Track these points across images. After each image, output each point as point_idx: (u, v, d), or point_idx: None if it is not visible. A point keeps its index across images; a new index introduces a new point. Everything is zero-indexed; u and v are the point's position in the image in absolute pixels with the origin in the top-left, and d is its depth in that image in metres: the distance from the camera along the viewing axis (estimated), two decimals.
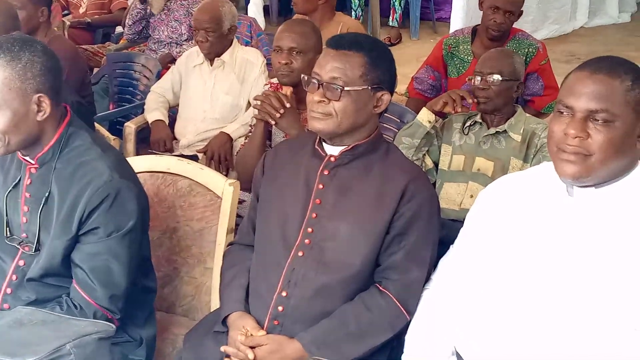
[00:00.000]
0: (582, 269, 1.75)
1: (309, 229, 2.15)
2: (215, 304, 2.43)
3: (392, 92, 2.21)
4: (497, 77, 2.99)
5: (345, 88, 2.10)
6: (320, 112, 2.12)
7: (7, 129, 2.02)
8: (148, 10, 5.04)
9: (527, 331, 1.78)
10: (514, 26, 3.91)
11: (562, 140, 1.75)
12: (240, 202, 2.91)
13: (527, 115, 3.12)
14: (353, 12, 7.55)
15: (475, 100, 3.01)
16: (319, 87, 2.12)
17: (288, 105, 2.82)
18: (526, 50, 3.77)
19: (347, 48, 2.13)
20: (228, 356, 2.09)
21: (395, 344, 2.12)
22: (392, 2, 7.60)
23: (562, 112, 1.78)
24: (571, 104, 1.75)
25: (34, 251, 2.13)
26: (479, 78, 3.03)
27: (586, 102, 1.73)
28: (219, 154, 3.74)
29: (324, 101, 2.11)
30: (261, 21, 7.09)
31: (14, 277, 2.17)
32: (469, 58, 3.85)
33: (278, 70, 2.99)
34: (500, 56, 3.11)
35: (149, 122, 4.06)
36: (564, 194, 1.84)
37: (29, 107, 2.02)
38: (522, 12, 3.88)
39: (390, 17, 7.68)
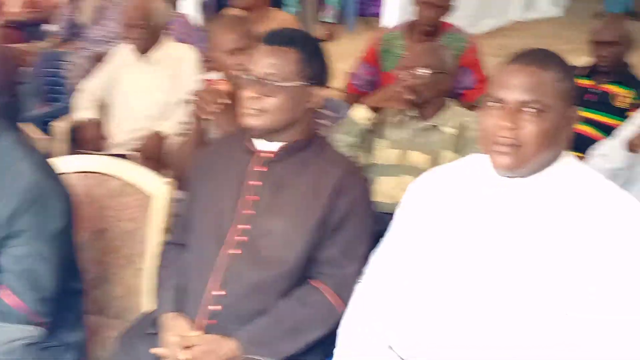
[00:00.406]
0: (512, 258, 1.78)
1: (245, 226, 2.15)
2: (147, 305, 2.40)
3: (326, 87, 2.22)
4: (425, 70, 3.02)
5: (280, 84, 2.10)
6: (255, 108, 2.12)
7: None
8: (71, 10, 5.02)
9: (459, 320, 1.80)
10: (447, 21, 3.96)
11: (495, 133, 1.78)
12: (176, 201, 2.87)
13: (459, 108, 3.17)
14: (287, 8, 7.55)
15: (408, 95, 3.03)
16: (252, 83, 2.12)
17: (226, 101, 2.79)
18: (458, 44, 3.83)
19: (281, 44, 2.14)
20: (162, 358, 2.06)
21: (332, 339, 2.11)
22: None
23: (493, 105, 1.80)
24: (502, 96, 1.78)
25: None
26: (407, 73, 3.05)
27: (518, 94, 1.76)
28: (153, 153, 3.70)
29: (258, 97, 2.11)
30: (198, 18, 7.06)
31: None
32: (403, 53, 3.88)
33: (229, 69, 2.95)
34: (428, 50, 3.16)
35: (80, 120, 4.01)
36: (492, 185, 1.86)
37: None
38: (451, 6, 3.93)
39: (326, 13, 7.72)
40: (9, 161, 2.07)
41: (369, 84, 3.99)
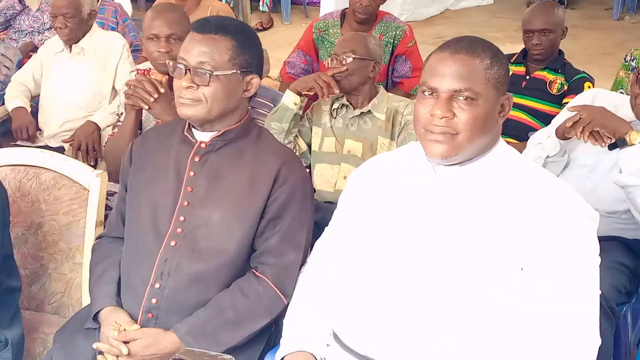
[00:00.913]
0: (448, 243, 1.80)
1: (181, 218, 2.13)
2: (86, 300, 2.37)
3: (260, 75, 2.20)
4: (349, 55, 3.04)
5: (214, 73, 2.07)
6: (189, 98, 2.09)
7: None
8: (19, 7, 4.88)
9: (398, 306, 1.82)
10: (381, 9, 3.98)
11: (429, 122, 1.79)
12: (112, 194, 2.84)
13: (390, 94, 3.19)
14: None
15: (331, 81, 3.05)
16: (186, 73, 2.08)
17: (162, 90, 2.76)
18: (393, 33, 3.86)
19: (213, 32, 2.10)
20: (101, 353, 2.04)
21: (274, 328, 2.14)
22: None
23: (427, 94, 1.81)
24: (435, 85, 1.79)
25: None
26: (334, 59, 3.07)
27: (449, 83, 1.77)
28: (86, 144, 3.64)
29: (192, 87, 2.08)
30: (128, 7, 6.95)
31: None
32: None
33: (158, 59, 2.92)
34: (353, 37, 3.18)
35: (9, 110, 3.92)
36: (429, 173, 1.88)
37: None
38: None
39: (261, 2, 7.69)
40: None
41: (304, 72, 3.98)
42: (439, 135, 1.78)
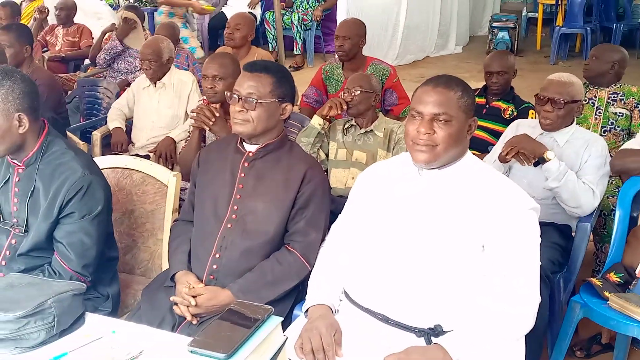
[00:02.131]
0: (430, 226, 1.80)
1: (235, 207, 2.13)
2: (165, 265, 2.38)
3: (293, 103, 2.20)
4: (358, 89, 3.03)
5: (259, 101, 2.08)
6: (240, 119, 2.10)
7: None
8: (120, 47, 4.92)
9: (392, 272, 1.81)
10: (370, 56, 3.94)
11: (416, 137, 1.79)
12: (184, 189, 2.85)
13: (387, 118, 3.18)
14: (270, 45, 7.49)
15: (346, 107, 3.06)
16: (239, 100, 2.10)
17: (217, 114, 2.78)
18: (381, 72, 3.80)
19: (259, 71, 2.12)
20: (176, 304, 2.05)
21: (301, 288, 2.13)
22: (294, 37, 7.60)
23: (414, 116, 1.81)
24: (420, 109, 1.79)
25: (24, 232, 2.05)
26: (346, 92, 3.07)
27: (431, 108, 1.77)
28: (165, 153, 3.64)
29: (243, 111, 2.09)
30: (200, 52, 6.99)
31: (7, 252, 2.08)
32: (340, 79, 3.87)
33: (206, 93, 2.96)
34: (360, 77, 3.17)
35: (110, 129, 3.93)
36: (416, 175, 1.88)
37: (11, 123, 1.95)
38: (360, 39, 3.83)
39: (294, 47, 7.67)
40: (62, 161, 2.05)
41: (316, 102, 3.97)
42: (423, 146, 1.78)
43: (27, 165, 2.05)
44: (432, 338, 1.73)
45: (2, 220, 2.10)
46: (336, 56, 3.92)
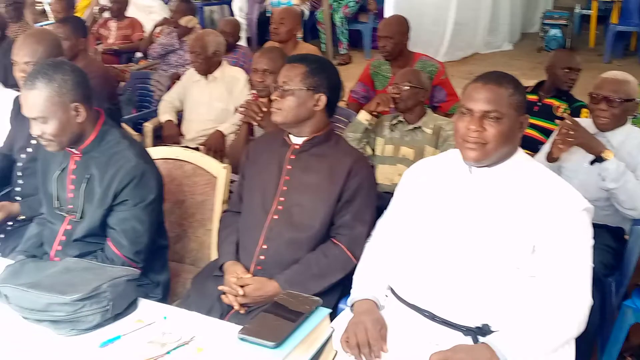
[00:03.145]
0: (480, 225, 1.77)
1: (281, 199, 2.15)
2: (214, 255, 2.41)
3: (331, 96, 2.17)
4: (407, 84, 3.02)
5: (288, 88, 2.11)
6: (274, 107, 2.14)
7: (57, 132, 2.01)
8: (177, 45, 5.02)
9: (439, 269, 1.79)
10: (418, 52, 3.91)
11: (466, 134, 1.77)
12: (232, 181, 2.89)
13: (435, 115, 3.15)
14: (322, 45, 7.51)
15: (394, 103, 3.04)
16: (275, 90, 2.15)
17: (265, 109, 2.81)
18: (430, 69, 3.76)
19: (294, 61, 2.16)
20: (224, 293, 2.08)
21: (346, 282, 2.12)
22: (337, 37, 7.61)
23: (464, 113, 1.79)
24: (471, 107, 1.77)
25: (79, 218, 2.11)
26: (395, 87, 3.06)
27: (482, 105, 1.75)
28: (215, 146, 3.70)
29: (277, 99, 2.13)
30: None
31: (63, 237, 2.15)
32: (388, 75, 3.85)
33: (255, 86, 2.99)
34: (409, 72, 3.16)
35: (162, 122, 4.00)
36: (466, 172, 1.85)
37: (69, 114, 2.00)
38: (403, 36, 3.80)
39: (339, 47, 7.68)
40: (117, 150, 2.10)
41: (363, 98, 3.96)
42: (473, 144, 1.76)
43: (83, 153, 2.11)
44: (479, 337, 1.71)
45: (58, 206, 2.16)
46: None
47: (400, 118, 3.10)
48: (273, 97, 2.14)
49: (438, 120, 3.06)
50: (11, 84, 2.95)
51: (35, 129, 2.01)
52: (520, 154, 1.84)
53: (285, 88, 2.12)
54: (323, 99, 2.15)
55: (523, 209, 1.73)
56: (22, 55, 2.58)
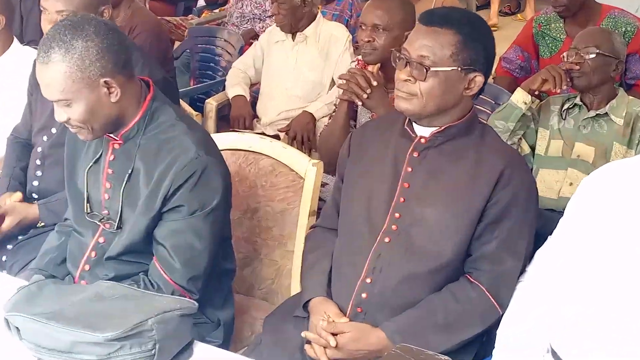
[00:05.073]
0: None
1: (396, 214, 2.14)
2: (295, 288, 2.45)
3: (487, 73, 2.16)
4: (593, 50, 2.94)
5: (432, 68, 2.06)
6: (405, 91, 2.10)
7: (86, 118, 2.07)
8: None
9: (631, 332, 1.73)
10: (609, 4, 3.80)
11: None
12: (322, 185, 2.92)
13: (631, 97, 3.06)
14: None
15: (569, 79, 2.97)
16: (406, 65, 2.09)
17: (375, 83, 2.80)
18: (624, 29, 3.65)
19: (438, 24, 2.09)
20: (309, 342, 2.10)
21: (485, 339, 2.11)
22: None
23: None
24: None
25: (116, 229, 2.18)
26: (573, 53, 2.98)
27: None
28: (301, 134, 3.77)
29: (409, 80, 2.09)
30: None
31: (93, 254, 2.23)
32: (561, 37, 3.78)
33: (361, 48, 2.99)
34: (597, 31, 3.11)
35: (230, 97, 4.10)
36: None
37: (99, 92, 2.06)
38: None
39: None
40: (171, 136, 2.15)
41: (521, 69, 3.90)
42: None
43: (125, 139, 2.18)
44: None
45: (89, 211, 2.24)
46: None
47: (577, 101, 3.03)
48: (403, 75, 2.09)
49: (635, 106, 2.99)
50: (30, 39, 3.09)
51: (59, 114, 2.10)
52: None
53: (425, 64, 2.07)
54: (479, 80, 2.12)
55: None
56: (55, 1, 2.68)
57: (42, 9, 2.73)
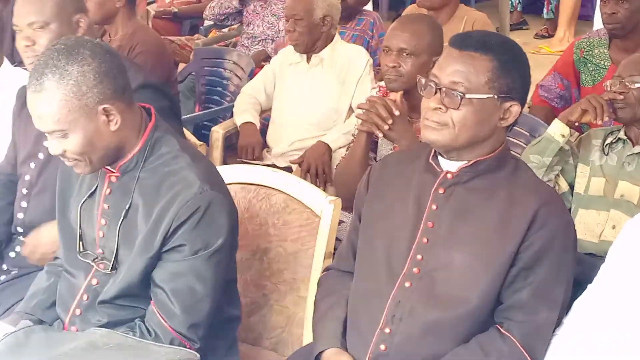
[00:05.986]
0: None
1: (419, 257, 2.15)
2: (307, 338, 2.44)
3: (523, 102, 2.17)
4: (638, 79, 2.94)
5: (467, 95, 2.07)
6: (435, 120, 2.10)
7: (83, 150, 2.09)
8: (238, 5, 5.21)
9: None
10: None
11: None
12: (339, 222, 2.92)
13: None
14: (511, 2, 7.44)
15: (612, 110, 2.96)
16: (436, 92, 2.10)
17: (397, 112, 2.82)
18: None
19: (473, 49, 2.10)
20: None
21: None
22: None
23: None
24: None
25: (111, 269, 2.19)
26: (617, 82, 2.98)
27: None
28: (315, 167, 3.77)
29: (440, 108, 2.09)
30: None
31: (85, 297, 2.24)
32: (605, 64, 3.79)
33: (385, 74, 3.00)
34: None
35: (238, 125, 4.11)
36: None
37: (97, 121, 2.07)
38: None
39: (545, 8, 7.51)
40: (173, 169, 2.16)
41: (560, 99, 3.91)
42: None
43: (123, 172, 2.20)
44: None
45: (81, 250, 2.26)
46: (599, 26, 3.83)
47: (621, 135, 3.03)
48: (433, 103, 2.10)
49: None
50: (20, 59, 3.13)
51: (54, 147, 2.11)
52: None
53: (459, 92, 2.08)
54: (515, 109, 2.14)
55: None
56: (25, 14, 2.67)
57: (14, 28, 2.72)
